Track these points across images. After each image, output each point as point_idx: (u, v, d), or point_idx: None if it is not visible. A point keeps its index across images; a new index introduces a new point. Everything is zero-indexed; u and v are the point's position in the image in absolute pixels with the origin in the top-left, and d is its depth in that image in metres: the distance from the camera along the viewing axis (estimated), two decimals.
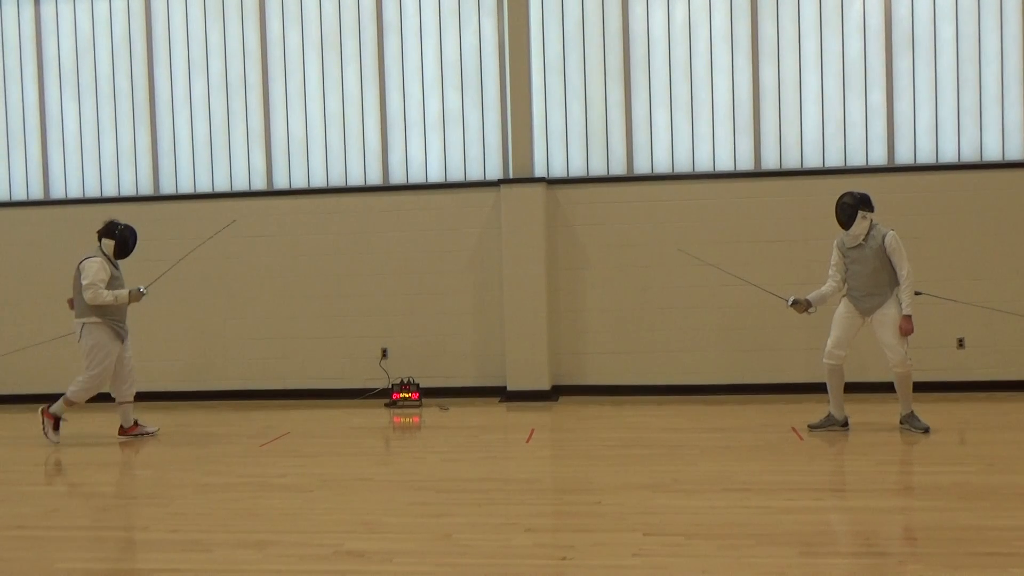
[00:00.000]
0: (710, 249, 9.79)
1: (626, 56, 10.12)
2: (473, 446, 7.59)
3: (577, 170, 10.23)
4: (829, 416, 7.75)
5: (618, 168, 10.17)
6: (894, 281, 7.40)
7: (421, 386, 9.82)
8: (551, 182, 10.09)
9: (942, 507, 5.20)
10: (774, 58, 9.94)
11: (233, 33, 10.75)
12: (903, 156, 9.80)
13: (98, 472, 6.94)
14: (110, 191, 10.97)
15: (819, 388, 9.47)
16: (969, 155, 9.73)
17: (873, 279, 7.42)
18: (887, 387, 9.52)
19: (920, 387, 9.40)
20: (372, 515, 5.42)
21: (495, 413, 9.31)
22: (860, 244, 7.46)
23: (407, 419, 9.10)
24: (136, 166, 10.95)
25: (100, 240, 8.15)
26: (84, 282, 7.85)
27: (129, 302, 8.06)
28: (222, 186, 10.79)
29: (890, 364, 7.42)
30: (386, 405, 9.78)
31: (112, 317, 8.02)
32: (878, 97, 9.81)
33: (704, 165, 10.06)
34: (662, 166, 10.12)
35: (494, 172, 10.33)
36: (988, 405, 8.83)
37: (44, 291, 10.79)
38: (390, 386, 9.92)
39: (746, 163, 9.99)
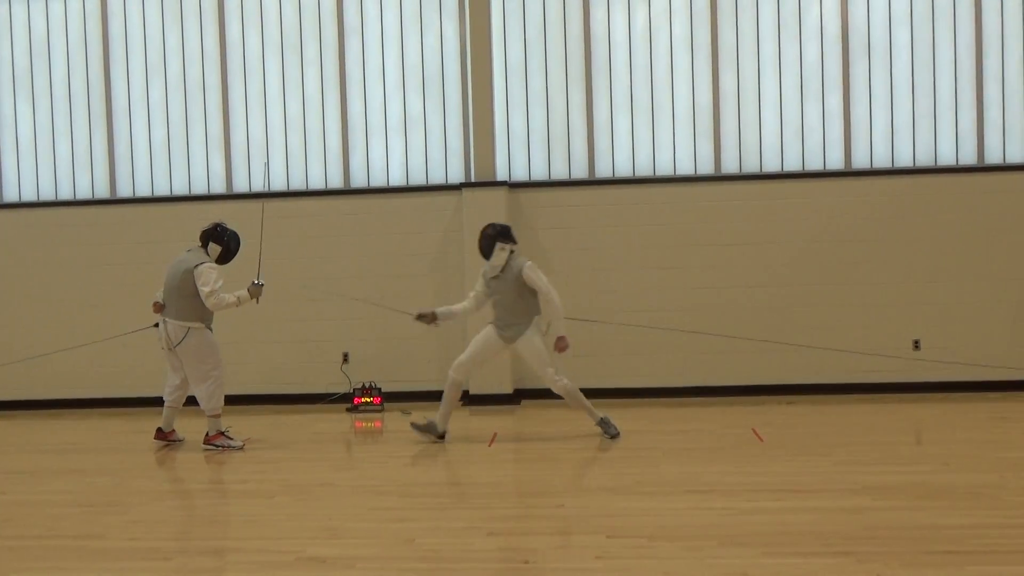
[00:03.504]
0: (671, 252, 9.86)
1: (587, 60, 10.16)
2: (435, 450, 7.56)
3: (539, 174, 10.25)
4: (431, 423, 7.79)
5: (580, 172, 10.20)
6: (534, 310, 7.63)
7: (383, 390, 9.77)
8: (513, 186, 10.09)
9: (900, 506, 5.27)
10: (734, 63, 10.04)
11: (192, 35, 10.63)
12: (860, 160, 9.93)
13: (53, 479, 6.81)
14: (66, 195, 10.79)
15: (781, 390, 9.63)
16: (924, 159, 9.88)
17: (513, 309, 7.60)
18: (856, 388, 9.71)
19: (877, 388, 9.60)
20: (334, 521, 5.38)
21: (457, 417, 9.24)
22: (499, 275, 7.62)
23: (369, 424, 9.05)
24: (92, 169, 10.78)
25: (206, 244, 7.79)
26: (205, 289, 7.47)
27: (250, 299, 7.73)
28: (180, 190, 10.66)
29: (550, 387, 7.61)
30: (348, 410, 9.72)
31: (211, 321, 7.80)
32: (835, 102, 9.94)
33: (665, 169, 10.13)
34: (623, 170, 10.17)
35: (456, 176, 10.31)
36: (944, 406, 8.97)
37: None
38: (352, 391, 9.86)
39: (706, 167, 10.07)
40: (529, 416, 9.21)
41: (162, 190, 10.68)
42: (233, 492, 6.21)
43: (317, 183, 10.52)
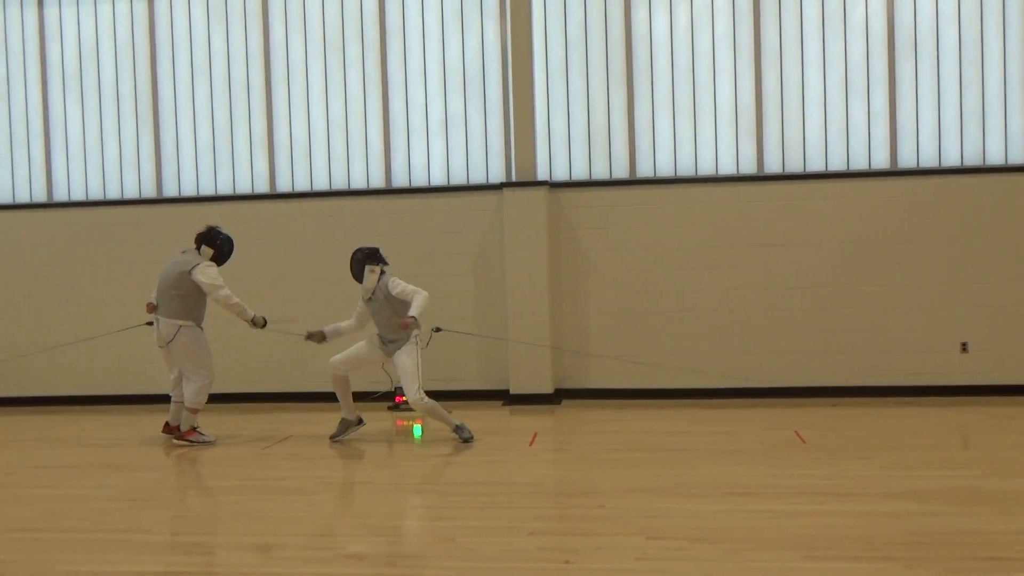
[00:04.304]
0: (713, 253, 9.80)
1: (629, 60, 10.12)
2: (476, 449, 7.58)
3: (580, 173, 10.23)
4: (343, 421, 8.01)
5: (621, 171, 10.16)
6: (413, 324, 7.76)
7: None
8: (554, 185, 10.09)
9: (945, 511, 5.19)
10: (776, 62, 9.94)
11: (236, 37, 10.76)
12: (906, 160, 9.79)
13: (98, 474, 6.93)
14: (113, 194, 10.99)
15: (824, 392, 9.52)
16: (972, 159, 9.71)
17: (391, 326, 7.80)
18: (901, 391, 9.61)
19: (924, 391, 9.47)
20: (374, 518, 5.42)
21: (498, 416, 9.30)
22: (373, 296, 7.82)
23: (410, 422, 9.09)
24: (139, 169, 10.96)
25: (199, 246, 8.06)
26: (215, 283, 7.80)
27: (251, 321, 8.06)
28: (225, 189, 10.80)
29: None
30: (389, 408, 9.78)
31: (202, 320, 8.06)
32: (881, 101, 9.80)
33: (707, 169, 10.06)
34: (665, 170, 10.11)
35: (496, 175, 10.33)
36: (991, 409, 8.81)
37: (46, 294, 10.82)
38: (393, 389, 9.89)
39: (749, 167, 9.99)
40: (570, 416, 9.20)
41: (207, 190, 10.83)
42: (275, 489, 6.27)
43: (359, 183, 10.60)
